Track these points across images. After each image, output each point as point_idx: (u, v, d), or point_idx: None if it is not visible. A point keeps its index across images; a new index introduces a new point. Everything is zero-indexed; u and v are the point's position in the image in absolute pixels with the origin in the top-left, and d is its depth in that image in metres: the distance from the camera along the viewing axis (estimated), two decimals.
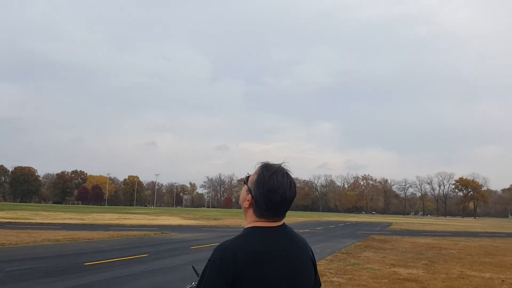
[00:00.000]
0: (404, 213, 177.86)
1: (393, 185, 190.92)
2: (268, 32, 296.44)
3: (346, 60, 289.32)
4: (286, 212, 1.72)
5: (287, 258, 1.62)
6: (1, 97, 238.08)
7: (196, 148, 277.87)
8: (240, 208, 1.82)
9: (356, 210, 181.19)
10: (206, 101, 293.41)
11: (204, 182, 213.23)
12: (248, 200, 1.70)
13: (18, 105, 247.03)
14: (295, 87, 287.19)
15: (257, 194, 1.67)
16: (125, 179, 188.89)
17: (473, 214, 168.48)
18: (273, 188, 1.65)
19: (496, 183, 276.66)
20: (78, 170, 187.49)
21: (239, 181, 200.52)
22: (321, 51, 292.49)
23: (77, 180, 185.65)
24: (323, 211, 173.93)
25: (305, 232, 30.07)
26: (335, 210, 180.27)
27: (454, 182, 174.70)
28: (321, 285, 1.86)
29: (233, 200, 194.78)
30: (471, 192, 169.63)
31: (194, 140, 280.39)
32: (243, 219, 1.76)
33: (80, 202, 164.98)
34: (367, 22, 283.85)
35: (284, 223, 1.74)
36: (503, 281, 10.53)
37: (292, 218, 60.60)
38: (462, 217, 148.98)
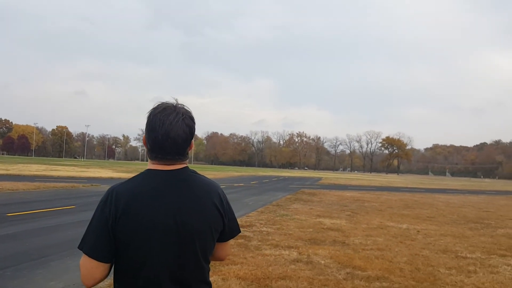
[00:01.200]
0: (334, 169, 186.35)
1: (325, 142, 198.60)
2: None
3: (286, 16, 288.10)
4: (179, 154, 1.60)
5: (173, 202, 1.55)
6: None
7: (130, 99, 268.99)
8: None
9: (290, 165, 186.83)
10: (142, 50, 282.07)
11: (138, 134, 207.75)
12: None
13: None
14: (235, 40, 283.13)
15: (145, 134, 1.61)
16: (53, 129, 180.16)
17: (396, 171, 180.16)
18: (154, 126, 1.56)
19: (419, 142, 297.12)
20: (3, 119, 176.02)
21: None
22: (261, 4, 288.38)
23: (1, 129, 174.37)
24: (258, 166, 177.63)
25: (240, 186, 30.68)
26: (270, 165, 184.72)
27: (381, 140, 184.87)
28: (239, 232, 1.84)
29: None
30: (396, 150, 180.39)
31: (128, 90, 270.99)
32: None
33: (5, 152, 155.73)
34: None
35: (185, 167, 1.64)
36: (418, 231, 11.45)
37: (227, 173, 61.37)
38: (386, 174, 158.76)
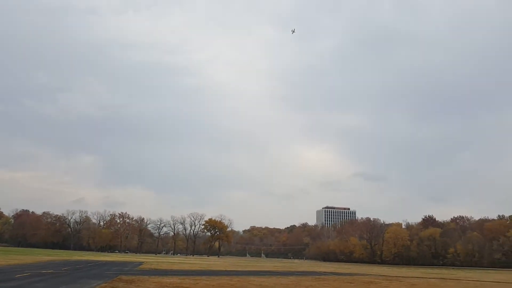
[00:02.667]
0: (157, 252, 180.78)
1: (149, 224, 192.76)
2: (32, 52, 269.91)
3: (115, 96, 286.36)
4: None
5: None
6: None
7: None
8: None
9: (110, 248, 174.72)
10: None
11: None
12: None
13: None
14: (58, 114, 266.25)
15: None
16: None
17: (217, 253, 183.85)
18: None
19: (239, 224, 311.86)
20: None
21: None
22: (89, 82, 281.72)
23: None
24: (74, 249, 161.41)
25: (48, 273, 27.67)
26: (88, 248, 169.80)
27: (204, 222, 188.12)
28: None
29: None
30: (217, 232, 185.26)
31: None
32: None
33: None
34: (140, 65, 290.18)
35: None
36: None
37: (36, 257, 54.45)
38: (208, 256, 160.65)
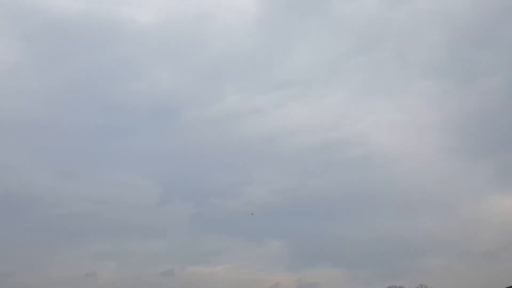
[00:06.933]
0: None
1: None
2: (214, 157, 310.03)
3: (288, 180, 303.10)
4: None
5: None
6: None
7: (139, 276, 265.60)
8: None
9: None
10: (154, 226, 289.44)
11: None
12: None
13: None
14: (242, 207, 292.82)
15: None
16: None
17: None
18: None
19: None
20: None
21: None
22: (263, 172, 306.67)
23: None
24: None
25: None
26: None
27: None
28: None
29: None
30: None
31: (138, 267, 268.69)
32: None
33: None
34: (305, 147, 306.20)
35: None
36: None
37: None
38: None
